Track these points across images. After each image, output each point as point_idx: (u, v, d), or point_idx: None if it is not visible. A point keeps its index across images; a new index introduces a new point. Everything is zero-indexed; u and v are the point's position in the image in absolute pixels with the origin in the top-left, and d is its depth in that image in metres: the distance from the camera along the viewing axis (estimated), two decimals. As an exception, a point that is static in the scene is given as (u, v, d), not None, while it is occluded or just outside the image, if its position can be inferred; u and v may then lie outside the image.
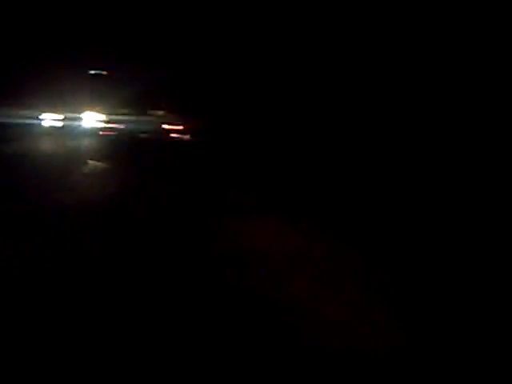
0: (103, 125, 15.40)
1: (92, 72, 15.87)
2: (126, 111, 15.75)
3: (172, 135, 15.36)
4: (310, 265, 6.16)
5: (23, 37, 15.20)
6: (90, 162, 13.14)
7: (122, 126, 15.39)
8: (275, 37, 14.00)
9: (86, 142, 15.18)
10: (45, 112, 14.92)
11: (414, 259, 6.29)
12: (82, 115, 15.23)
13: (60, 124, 15.03)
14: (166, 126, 15.53)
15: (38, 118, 14.84)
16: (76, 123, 15.16)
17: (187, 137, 15.29)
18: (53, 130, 14.93)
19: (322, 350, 4.03)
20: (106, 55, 16.04)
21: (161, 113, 15.96)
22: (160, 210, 8.66)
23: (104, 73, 16.07)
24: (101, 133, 15.31)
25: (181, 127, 15.43)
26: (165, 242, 6.79)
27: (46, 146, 14.33)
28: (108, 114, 15.48)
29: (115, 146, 14.68)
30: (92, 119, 15.37)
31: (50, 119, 14.95)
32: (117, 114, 15.56)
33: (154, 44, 15.72)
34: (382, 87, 12.33)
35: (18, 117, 14.42)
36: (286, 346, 4.10)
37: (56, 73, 15.01)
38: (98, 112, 15.43)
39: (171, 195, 9.82)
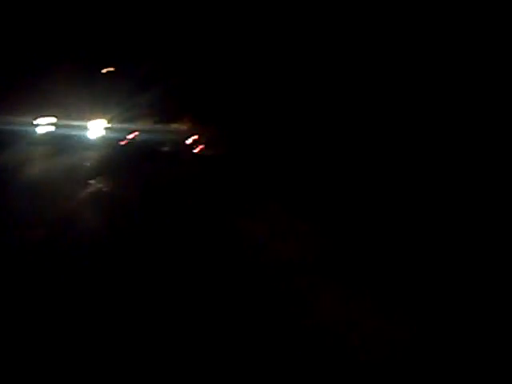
0: (110, 135, 13.04)
1: (101, 71, 13.68)
2: (138, 119, 13.52)
3: (194, 149, 13.16)
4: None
5: (16, 30, 12.99)
6: (92, 182, 10.78)
7: (132, 137, 13.11)
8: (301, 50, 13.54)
9: (86, 157, 12.73)
10: (38, 118, 12.51)
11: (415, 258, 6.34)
12: (84, 123, 12.85)
13: (55, 134, 12.61)
14: (187, 140, 13.34)
15: (29, 125, 12.40)
16: (75, 132, 12.75)
17: (210, 150, 13.18)
18: (46, 140, 12.50)
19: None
20: (116, 54, 13.96)
21: (180, 123, 13.74)
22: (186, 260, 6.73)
23: (112, 72, 13.86)
24: (106, 145, 12.98)
25: (202, 139, 13.34)
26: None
27: (36, 160, 11.83)
28: (116, 122, 13.15)
29: (123, 161, 12.32)
30: (96, 128, 12.99)
31: (43, 127, 12.52)
32: (127, 123, 13.25)
33: (173, 47, 14.13)
34: (389, 88, 12.26)
35: (4, 123, 12.02)
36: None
37: (56, 72, 12.76)
38: (104, 120, 13.07)
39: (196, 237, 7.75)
